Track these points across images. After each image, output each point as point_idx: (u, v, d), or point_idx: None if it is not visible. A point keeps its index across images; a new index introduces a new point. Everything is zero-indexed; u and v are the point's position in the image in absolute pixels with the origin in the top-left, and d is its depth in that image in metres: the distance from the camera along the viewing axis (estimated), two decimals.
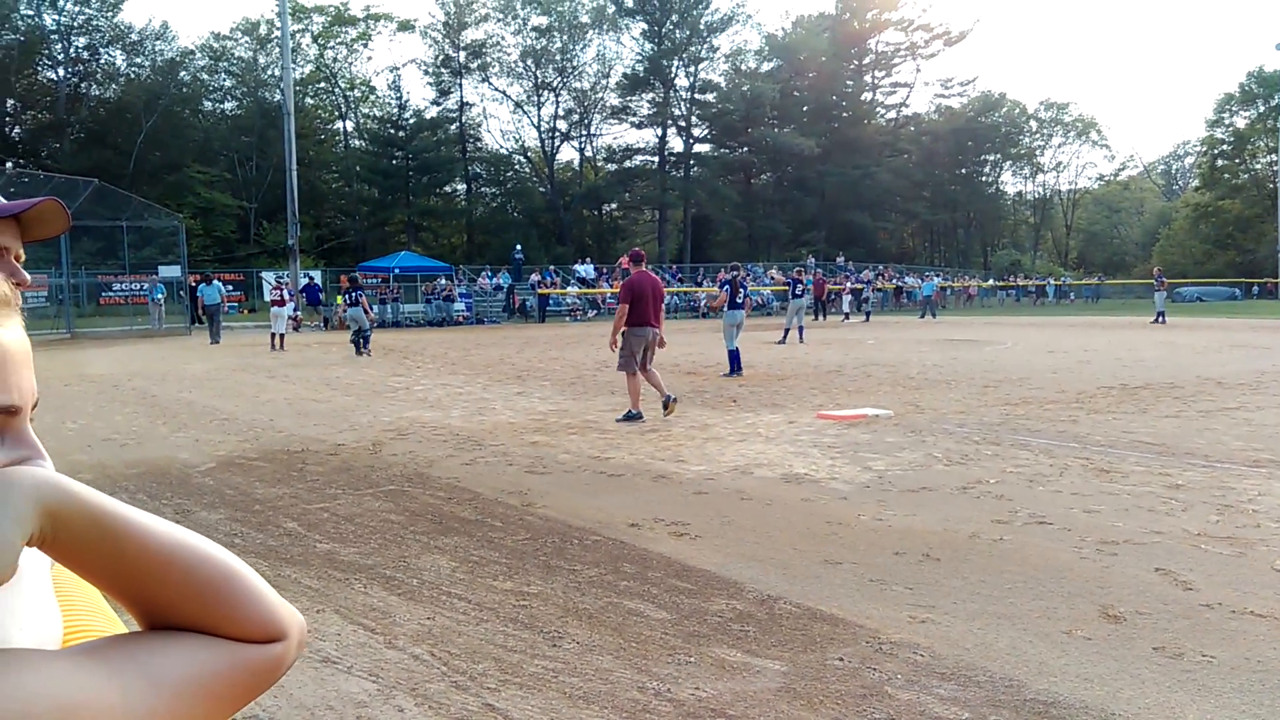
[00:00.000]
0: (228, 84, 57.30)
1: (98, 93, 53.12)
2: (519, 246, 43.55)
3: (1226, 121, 70.61)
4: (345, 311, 21.42)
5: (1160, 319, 30.62)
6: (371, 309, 21.06)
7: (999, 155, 77.66)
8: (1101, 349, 19.11)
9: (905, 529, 5.36)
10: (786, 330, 22.55)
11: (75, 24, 50.40)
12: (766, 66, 64.14)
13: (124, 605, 0.67)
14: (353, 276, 24.14)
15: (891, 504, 5.96)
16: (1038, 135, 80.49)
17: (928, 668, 3.45)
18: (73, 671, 0.57)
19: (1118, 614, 3.95)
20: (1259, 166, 69.80)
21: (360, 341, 19.35)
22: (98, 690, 0.57)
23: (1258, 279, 58.41)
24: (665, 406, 9.99)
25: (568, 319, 37.49)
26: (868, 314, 37.35)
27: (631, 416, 9.78)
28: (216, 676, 0.65)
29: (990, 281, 60.86)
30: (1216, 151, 71.60)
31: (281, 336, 22.32)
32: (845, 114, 68.01)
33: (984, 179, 78.28)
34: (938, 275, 50.03)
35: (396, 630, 3.90)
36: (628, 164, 63.10)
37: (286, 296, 23.29)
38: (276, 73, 49.92)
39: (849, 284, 39.44)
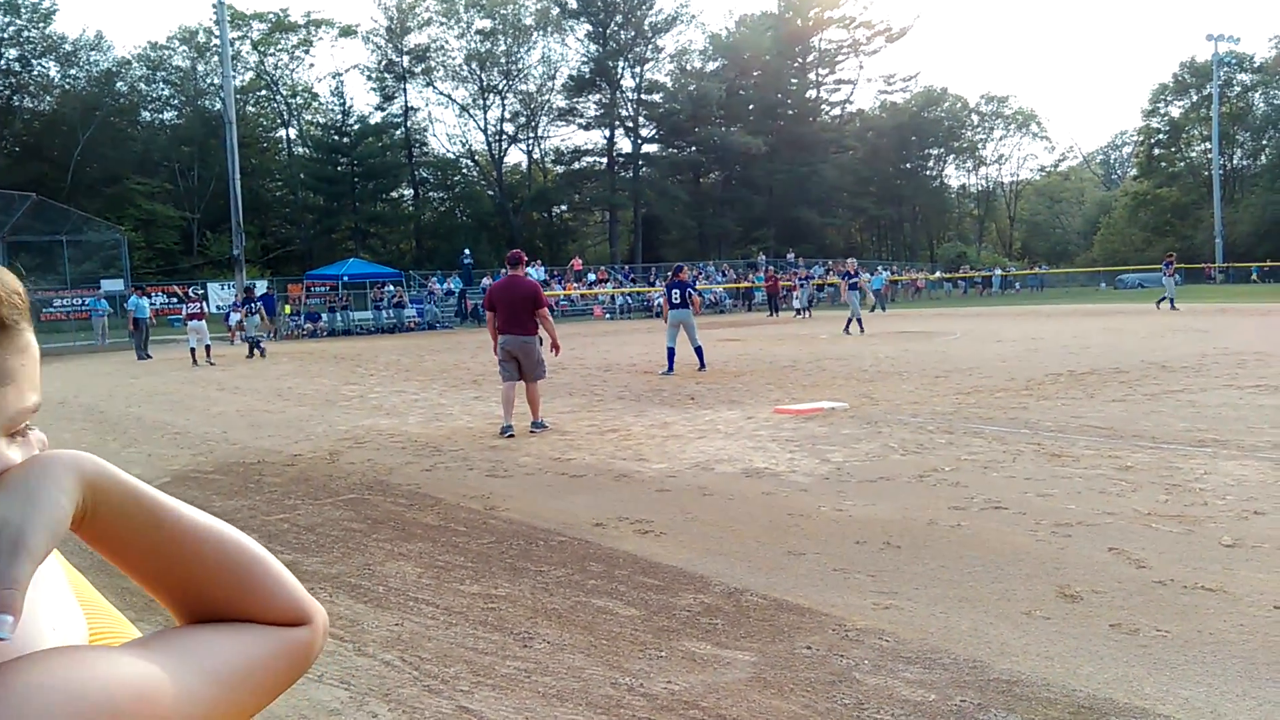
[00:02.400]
0: (166, 93, 56.27)
1: (31, 105, 51.92)
2: (468, 251, 43.33)
3: (1162, 111, 72.31)
4: (244, 320, 22.36)
5: (1166, 302, 29.02)
6: (269, 318, 22.57)
7: (942, 149, 78.80)
8: (1048, 337, 19.48)
9: (865, 518, 5.45)
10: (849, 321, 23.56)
11: (5, 35, 49.15)
12: (712, 66, 64.44)
13: (156, 590, 0.68)
14: (249, 286, 24.68)
15: (851, 494, 6.05)
16: (979, 129, 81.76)
17: (893, 652, 3.51)
18: (142, 664, 0.59)
19: (1074, 593, 4.06)
20: (1194, 154, 71.56)
21: (256, 346, 20.99)
22: (166, 681, 0.59)
23: (1196, 264, 59.86)
24: (501, 432, 9.17)
25: None
26: (796, 310, 37.14)
27: (539, 426, 9.29)
28: (262, 664, 0.67)
29: (937, 274, 61.70)
30: (1153, 141, 73.26)
31: (208, 348, 21.69)
32: (791, 112, 68.60)
33: (928, 173, 79.37)
34: (886, 269, 50.60)
35: (365, 637, 3.89)
36: (576, 165, 63.07)
37: (200, 310, 22.64)
38: (216, 81, 49.16)
39: (800, 279, 39.74)
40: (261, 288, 36.21)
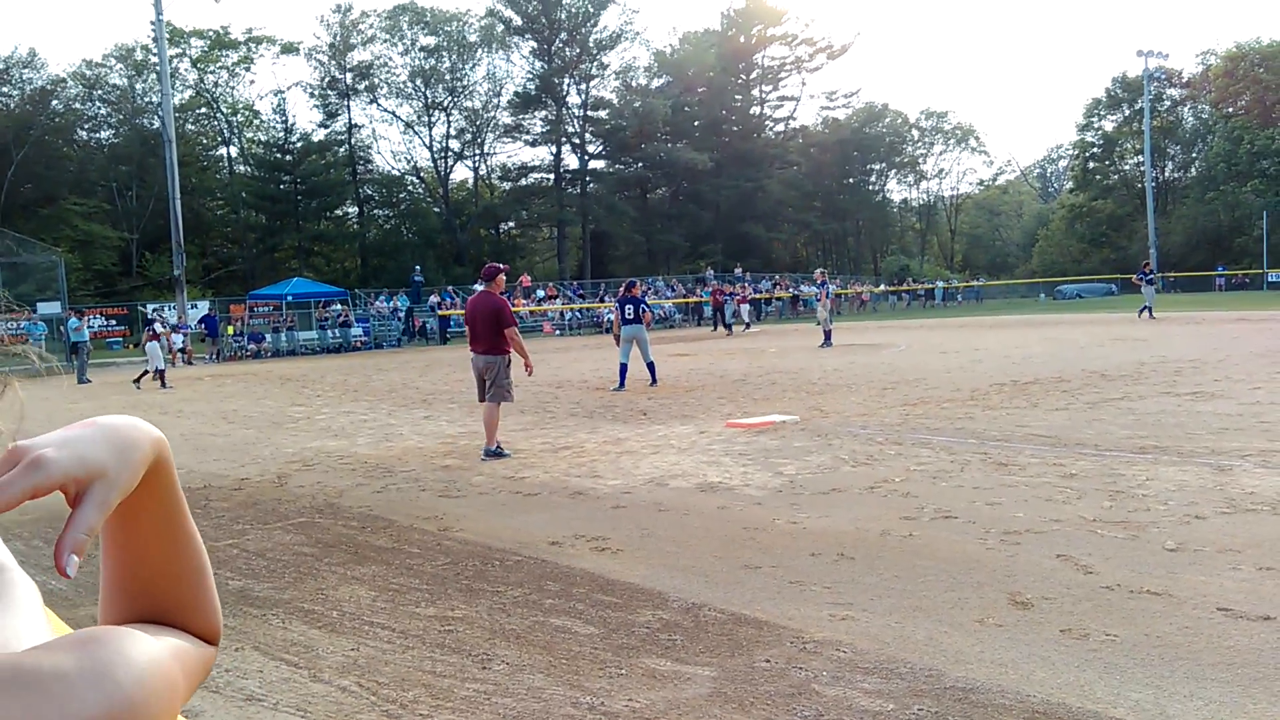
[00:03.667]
0: (103, 112, 55.08)
1: None
2: (419, 268, 42.99)
3: (1096, 125, 74.16)
4: (146, 345, 22.11)
5: (1145, 312, 28.26)
6: (167, 345, 23.47)
7: (884, 164, 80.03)
8: (990, 347, 19.85)
9: (819, 530, 5.50)
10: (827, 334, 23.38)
11: None
12: (657, 83, 64.84)
13: (127, 581, 0.67)
14: (150, 318, 24.95)
15: (804, 507, 6.11)
16: (920, 144, 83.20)
17: (851, 663, 3.55)
18: (154, 646, 0.59)
19: (1025, 600, 4.13)
20: (1128, 167, 73.45)
21: (159, 376, 20.86)
22: (171, 664, 0.60)
23: (1131, 274, 61.43)
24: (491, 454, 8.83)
25: None
26: (744, 324, 37.12)
27: (490, 453, 8.84)
28: (197, 665, 0.68)
29: (881, 287, 62.56)
30: (1087, 154, 75.08)
31: (161, 373, 21.25)
32: (735, 128, 69.22)
33: (871, 187, 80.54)
34: (831, 283, 51.16)
35: (321, 663, 3.83)
36: (523, 182, 62.94)
37: (169, 329, 22.70)
38: (155, 99, 48.32)
39: (748, 294, 40.03)
40: (203, 309, 35.63)
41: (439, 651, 3.89)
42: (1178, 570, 4.41)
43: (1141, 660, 3.45)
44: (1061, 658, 3.51)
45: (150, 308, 36.50)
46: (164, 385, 20.55)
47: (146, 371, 21.28)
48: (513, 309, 9.40)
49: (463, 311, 38.19)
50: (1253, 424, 8.36)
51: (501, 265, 9.58)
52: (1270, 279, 54.41)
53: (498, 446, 8.88)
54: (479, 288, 9.43)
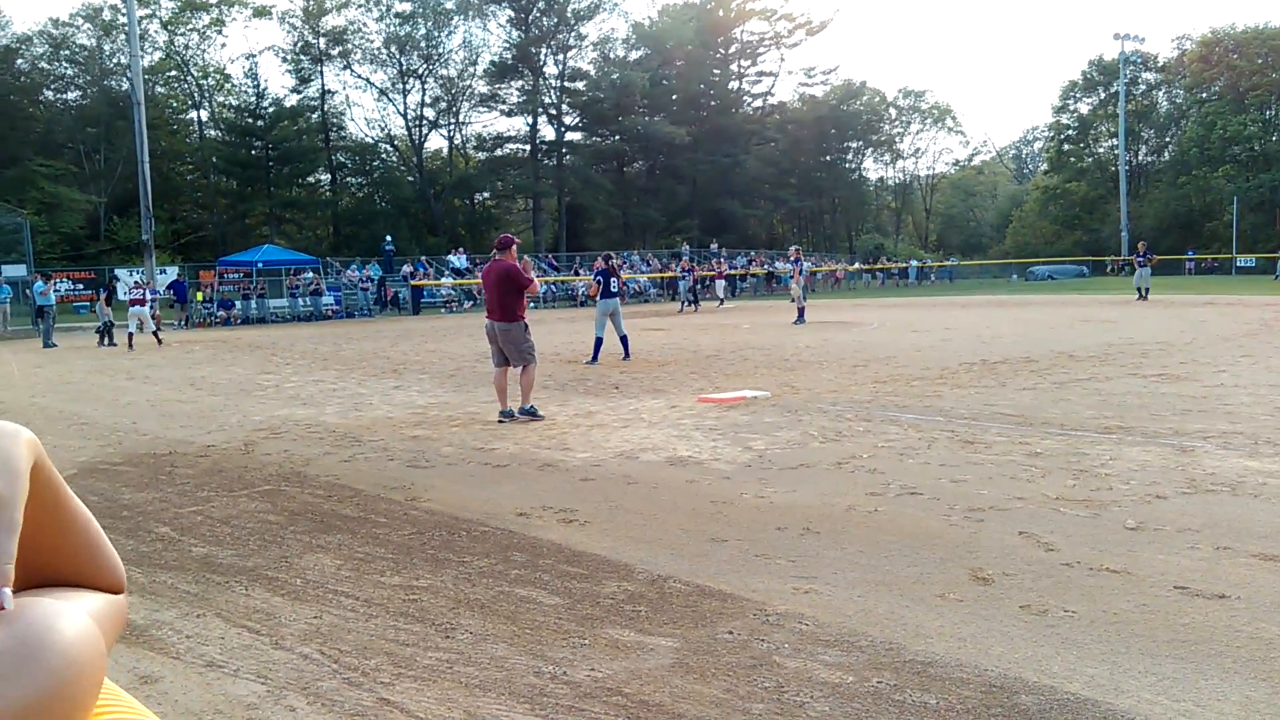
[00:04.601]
0: (70, 72, 53.92)
1: None
2: (389, 237, 42.60)
3: (1071, 108, 74.55)
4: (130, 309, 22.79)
5: (1142, 294, 28.72)
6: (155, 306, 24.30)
7: (861, 142, 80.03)
8: (961, 327, 19.99)
9: (786, 505, 5.53)
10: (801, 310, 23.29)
11: None
12: (635, 55, 64.32)
13: (34, 559, 0.68)
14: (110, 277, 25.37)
15: (772, 482, 6.13)
16: (897, 123, 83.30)
17: (813, 636, 3.58)
18: (78, 617, 0.59)
19: (986, 576, 4.18)
20: (1102, 150, 73.98)
21: (105, 333, 22.09)
22: (96, 632, 0.60)
23: (1103, 256, 62.04)
24: (500, 418, 9.11)
25: (443, 310, 36.92)
26: (718, 300, 37.12)
27: (525, 411, 9.17)
28: (115, 620, 0.69)
29: (856, 265, 62.77)
30: (1063, 137, 75.48)
31: (155, 333, 22.51)
32: (714, 103, 68.89)
33: (847, 165, 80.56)
34: (807, 260, 51.24)
35: (283, 631, 3.81)
36: (499, 152, 62.40)
37: (148, 296, 22.82)
38: (123, 60, 47.34)
39: (723, 270, 40.01)
40: (172, 274, 35.19)
41: (402, 620, 3.88)
42: (1137, 549, 4.47)
43: (1098, 636, 3.49)
44: (1020, 633, 3.55)
45: (120, 274, 35.94)
46: (130, 347, 20.72)
47: (131, 333, 21.77)
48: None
49: (437, 282, 37.82)
50: (1216, 406, 8.48)
51: (514, 237, 9.82)
52: (1239, 264, 55.12)
53: (533, 407, 9.21)
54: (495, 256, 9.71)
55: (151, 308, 23.00)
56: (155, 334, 22.76)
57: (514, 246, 9.54)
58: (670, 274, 45.47)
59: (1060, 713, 2.92)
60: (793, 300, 23.82)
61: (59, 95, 54.41)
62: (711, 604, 3.96)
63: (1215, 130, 61.59)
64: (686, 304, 33.64)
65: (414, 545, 4.96)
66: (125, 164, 44.89)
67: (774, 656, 3.39)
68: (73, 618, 0.57)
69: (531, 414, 9.12)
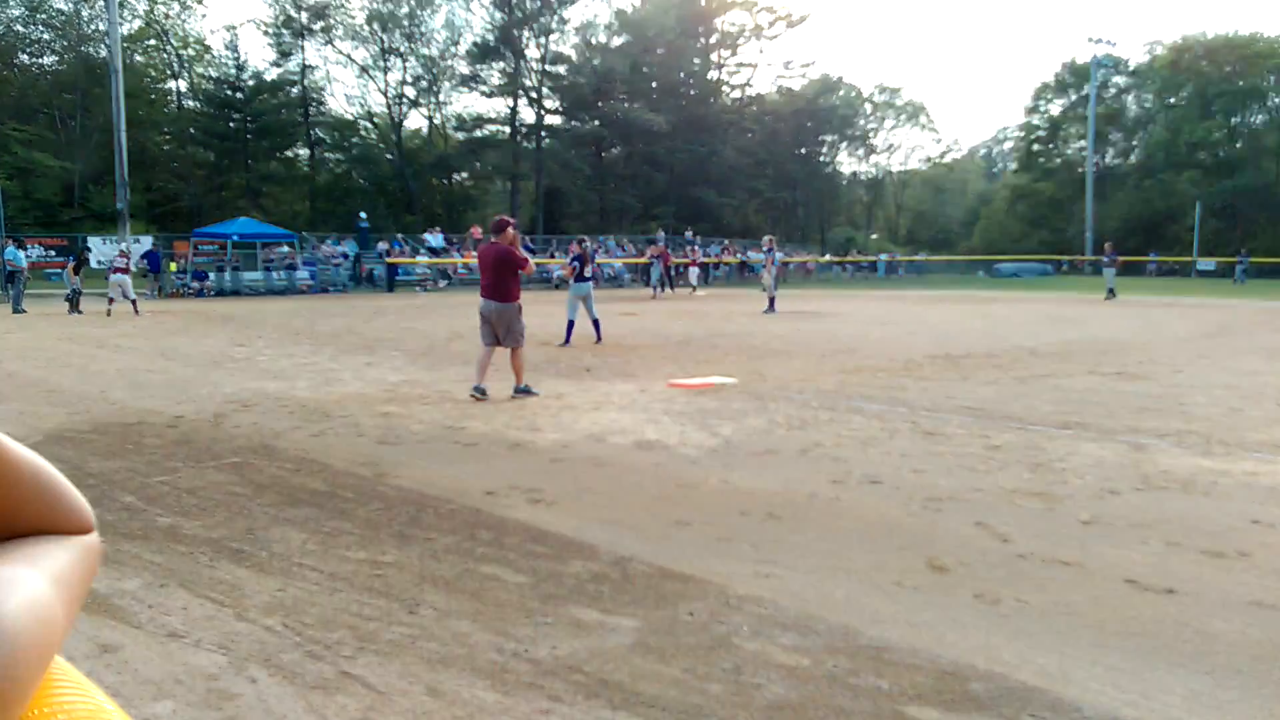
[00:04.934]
0: (46, 37, 52.73)
1: None
2: (363, 215, 42.21)
3: (1043, 109, 75.09)
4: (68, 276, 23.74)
5: (1111, 295, 29.19)
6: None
7: (836, 136, 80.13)
8: (928, 320, 20.18)
9: (750, 490, 5.60)
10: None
11: None
12: (617, 41, 64.01)
13: None
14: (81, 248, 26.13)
15: (737, 467, 6.20)
16: (871, 118, 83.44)
17: (771, 619, 3.65)
18: (25, 584, 0.58)
19: (942, 565, 4.27)
20: (1071, 151, 74.52)
21: (74, 302, 22.12)
22: (47, 597, 0.59)
23: (1068, 256, 62.69)
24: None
25: (417, 289, 36.71)
26: (691, 287, 37.10)
27: (519, 390, 9.38)
28: (83, 564, 0.68)
29: (827, 257, 62.98)
30: (1033, 137, 76.04)
31: (134, 301, 22.66)
32: (693, 92, 68.74)
33: (822, 159, 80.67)
34: (779, 251, 51.35)
35: (246, 603, 3.83)
36: (478, 133, 61.88)
37: (126, 265, 23.15)
38: (102, 27, 46.39)
39: (697, 258, 40.05)
40: (146, 244, 34.74)
41: (367, 595, 3.91)
42: (1090, 542, 4.58)
43: (1049, 627, 3.58)
44: (973, 621, 3.64)
45: (93, 243, 35.39)
46: (108, 314, 20.94)
47: (112, 300, 22.28)
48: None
49: (412, 260, 37.54)
50: (1172, 405, 8.65)
51: (510, 219, 9.85)
52: (1200, 267, 55.88)
53: (526, 385, 9.43)
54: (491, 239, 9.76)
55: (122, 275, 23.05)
56: (134, 303, 22.73)
57: (510, 228, 9.62)
58: (643, 260, 45.45)
59: (1009, 700, 3.00)
60: (764, 289, 23.91)
61: (34, 60, 53.25)
62: (673, 585, 4.02)
63: (1181, 135, 62.40)
64: (659, 290, 33.63)
65: (381, 521, 4.98)
66: (101, 132, 44.03)
67: (733, 638, 3.46)
68: (18, 589, 0.55)
69: (526, 392, 9.36)
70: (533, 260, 9.82)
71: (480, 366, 9.39)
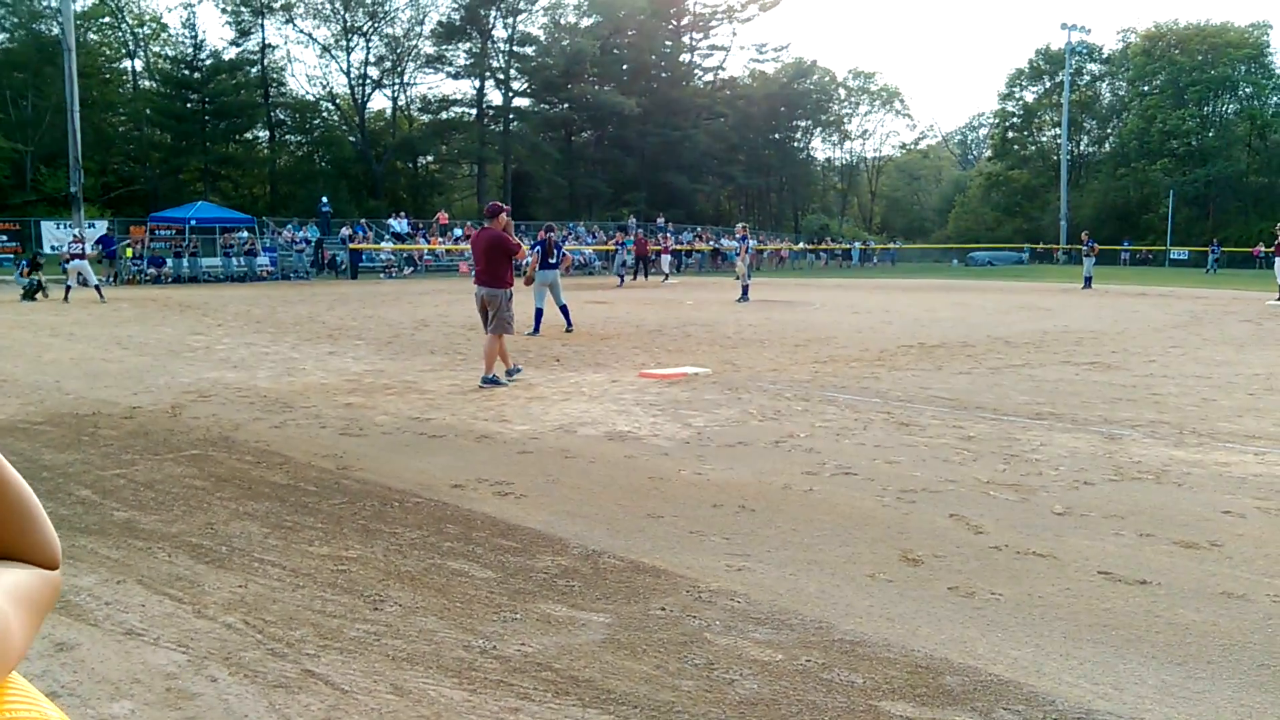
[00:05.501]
0: None
1: None
2: (325, 199, 41.68)
3: (1017, 96, 75.68)
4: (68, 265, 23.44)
5: (1087, 284, 29.32)
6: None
7: (810, 121, 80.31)
8: (901, 310, 20.24)
9: (723, 482, 5.54)
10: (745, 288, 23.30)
11: None
12: (586, 22, 63.62)
13: None
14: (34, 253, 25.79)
15: (710, 459, 6.14)
16: (846, 103, 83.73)
17: (744, 613, 3.59)
18: None
19: (916, 557, 4.23)
20: (1045, 139, 75.26)
21: (33, 292, 22.06)
22: (6, 612, 0.60)
23: (1041, 244, 63.29)
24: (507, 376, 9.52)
25: (381, 276, 36.36)
26: (663, 275, 37.15)
27: (488, 380, 9.34)
28: (43, 596, 0.68)
29: (800, 245, 63.12)
30: (1007, 124, 76.64)
31: (98, 287, 22.62)
32: (664, 74, 68.51)
33: (796, 145, 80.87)
34: (752, 238, 51.40)
35: (206, 599, 3.72)
36: (444, 115, 61.35)
37: (88, 250, 22.90)
38: (54, 4, 45.48)
39: (669, 245, 39.96)
40: (101, 228, 34.12)
41: (330, 591, 3.81)
42: (1064, 533, 4.56)
43: (1023, 619, 3.55)
44: (947, 614, 3.60)
45: (45, 226, 34.79)
46: (65, 300, 20.69)
47: (70, 286, 22.11)
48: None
49: (376, 246, 37.28)
50: (1145, 396, 8.69)
51: (503, 205, 9.94)
52: (1172, 256, 56.65)
53: (494, 376, 9.37)
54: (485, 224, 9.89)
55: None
56: (98, 288, 22.54)
57: (504, 214, 9.67)
58: (610, 248, 45.31)
59: (983, 694, 2.96)
60: (738, 278, 23.89)
61: None
62: (645, 580, 3.95)
63: (1155, 124, 63.08)
64: (625, 277, 33.44)
65: (344, 515, 4.87)
66: (54, 112, 43.16)
67: (705, 634, 3.40)
68: None
69: (495, 382, 9.29)
70: (525, 245, 9.89)
71: (487, 357, 9.47)
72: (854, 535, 4.55)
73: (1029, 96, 75.01)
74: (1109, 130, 72.69)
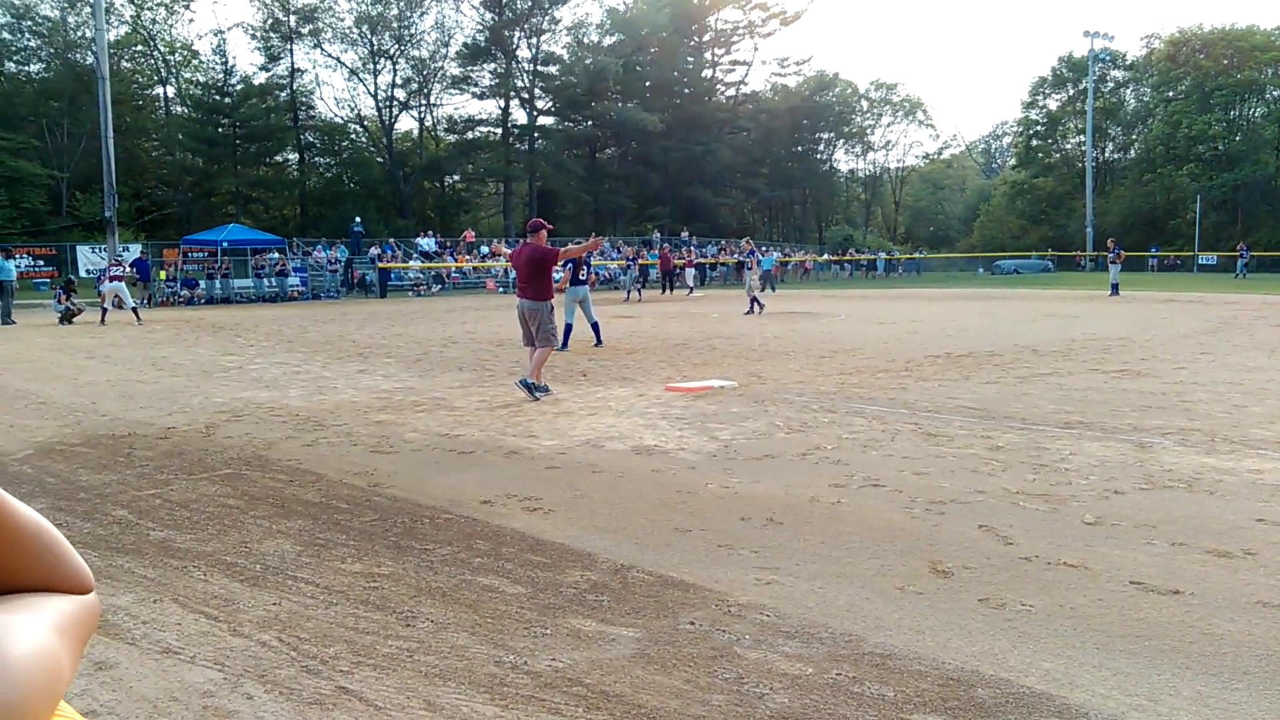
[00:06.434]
0: (33, 44, 52.70)
1: None
2: (358, 219, 42.16)
3: (1040, 104, 75.26)
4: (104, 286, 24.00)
5: (1114, 291, 28.95)
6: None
7: (832, 134, 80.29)
8: (927, 320, 20.13)
9: (750, 495, 5.54)
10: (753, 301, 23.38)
11: None
12: (609, 40, 64.06)
13: None
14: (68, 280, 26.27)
15: (737, 472, 6.15)
16: (868, 114, 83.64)
17: (773, 627, 3.59)
18: (32, 631, 0.60)
19: (946, 569, 4.21)
20: (1069, 146, 74.76)
21: (69, 316, 22.39)
22: (52, 644, 0.61)
23: (1068, 252, 62.77)
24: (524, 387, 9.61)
25: (410, 294, 36.67)
26: (688, 288, 37.22)
27: (524, 384, 9.54)
28: (85, 622, 0.70)
29: (825, 256, 62.99)
30: (1031, 132, 76.20)
31: (135, 310, 23.11)
32: (687, 90, 68.80)
33: (819, 157, 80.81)
34: (776, 250, 51.38)
35: (241, 617, 3.77)
36: (470, 135, 61.93)
37: (122, 273, 23.51)
38: (88, 34, 46.40)
39: (693, 259, 40.03)
40: (135, 252, 34.65)
41: (363, 608, 3.85)
42: (1095, 544, 4.53)
43: (1055, 630, 3.53)
44: (978, 626, 3.59)
45: (81, 250, 35.36)
46: (101, 323, 21.15)
47: (105, 309, 22.64)
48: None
49: (405, 265, 37.65)
50: (1175, 403, 8.60)
51: (545, 222, 10.17)
52: (1201, 261, 55.96)
53: (545, 385, 9.68)
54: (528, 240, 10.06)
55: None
56: (135, 311, 22.96)
57: (544, 230, 9.89)
58: (642, 262, 45.37)
59: (1016, 707, 2.95)
60: (748, 292, 23.98)
61: (21, 67, 53.23)
62: (674, 594, 3.96)
63: (1181, 129, 62.46)
64: (632, 293, 33.36)
65: (376, 532, 4.92)
66: (89, 139, 44.01)
67: (735, 648, 3.40)
68: (25, 635, 0.57)
69: (531, 389, 9.44)
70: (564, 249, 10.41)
71: (535, 364, 9.63)
72: (883, 547, 4.54)
73: (1053, 104, 74.60)
74: (1134, 136, 72.10)
